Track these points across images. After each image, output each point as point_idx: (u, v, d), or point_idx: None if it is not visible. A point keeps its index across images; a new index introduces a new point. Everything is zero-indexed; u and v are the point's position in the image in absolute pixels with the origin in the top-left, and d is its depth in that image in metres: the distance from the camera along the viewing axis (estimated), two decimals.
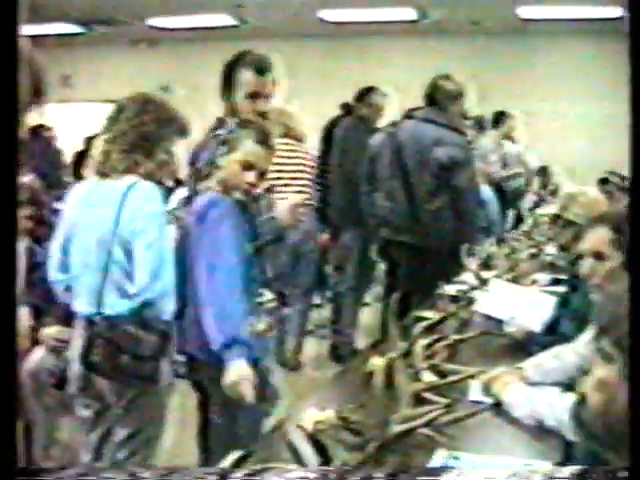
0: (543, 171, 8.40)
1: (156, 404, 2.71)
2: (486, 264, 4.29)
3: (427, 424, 1.86)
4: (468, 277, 4.00)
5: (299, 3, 9.11)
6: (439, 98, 4.54)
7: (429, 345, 2.53)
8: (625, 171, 8.79)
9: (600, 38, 9.29)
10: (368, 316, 6.16)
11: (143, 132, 2.73)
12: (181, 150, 2.87)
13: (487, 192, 6.67)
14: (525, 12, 8.92)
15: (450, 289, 3.86)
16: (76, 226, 2.74)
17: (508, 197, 7.17)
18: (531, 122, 8.06)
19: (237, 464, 1.35)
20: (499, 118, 7.47)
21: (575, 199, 3.43)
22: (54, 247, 2.81)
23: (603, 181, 7.47)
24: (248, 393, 2.55)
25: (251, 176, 2.77)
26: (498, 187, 7.06)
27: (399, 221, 4.46)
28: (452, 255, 4.15)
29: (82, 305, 2.71)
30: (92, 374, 2.64)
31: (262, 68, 3.21)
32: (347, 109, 5.61)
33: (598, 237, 2.45)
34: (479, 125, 7.37)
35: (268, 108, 3.24)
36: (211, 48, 11.33)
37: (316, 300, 6.53)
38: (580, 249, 2.52)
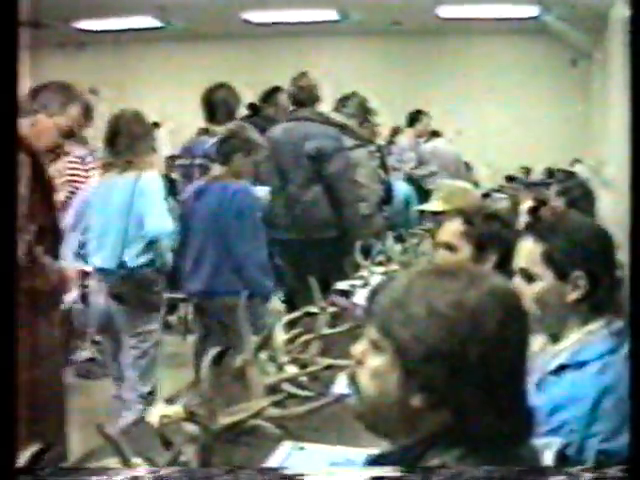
0: (465, 167, 8.50)
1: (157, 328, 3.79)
2: (389, 260, 4.33)
3: (254, 416, 1.89)
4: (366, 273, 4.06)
5: (223, 5, 9.13)
6: (302, 97, 4.68)
7: (291, 340, 2.56)
8: (537, 165, 8.93)
9: (517, 37, 9.46)
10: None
11: None
12: None
13: (402, 188, 6.73)
14: (444, 12, 9.05)
15: (343, 285, 3.92)
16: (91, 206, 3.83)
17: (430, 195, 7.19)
18: (451, 120, 8.17)
19: (36, 458, 1.36)
20: (415, 116, 7.55)
21: (452, 194, 3.51)
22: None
23: (509, 179, 7.58)
24: None
25: None
26: (418, 185, 7.13)
27: (281, 219, 4.53)
28: (337, 250, 4.24)
29: (101, 261, 3.71)
30: (121, 305, 3.67)
31: None
32: (254, 109, 5.61)
33: (451, 229, 2.52)
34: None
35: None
36: (137, 50, 11.35)
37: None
38: (436, 240, 2.58)
